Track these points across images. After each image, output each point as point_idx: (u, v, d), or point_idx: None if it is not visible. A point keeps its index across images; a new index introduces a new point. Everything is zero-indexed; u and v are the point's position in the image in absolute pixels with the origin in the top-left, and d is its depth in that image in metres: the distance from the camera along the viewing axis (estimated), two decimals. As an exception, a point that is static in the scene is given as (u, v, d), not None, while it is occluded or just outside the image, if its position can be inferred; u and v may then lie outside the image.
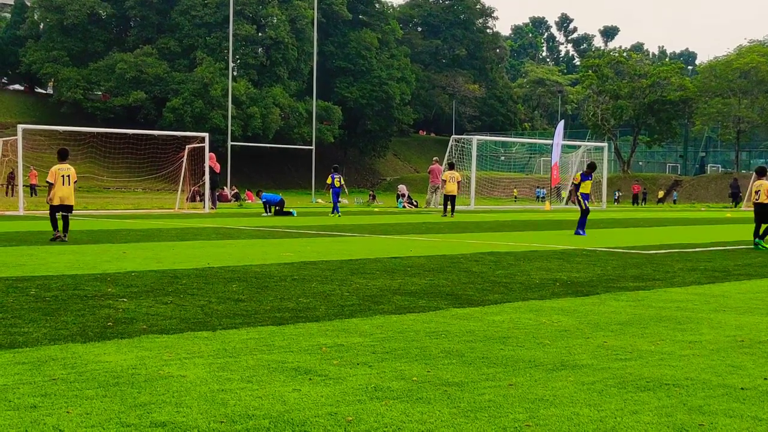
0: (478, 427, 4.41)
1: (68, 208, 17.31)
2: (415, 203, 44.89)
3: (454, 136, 48.40)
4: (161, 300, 8.76)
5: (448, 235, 20.62)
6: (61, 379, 5.34)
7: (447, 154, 45.77)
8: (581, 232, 21.17)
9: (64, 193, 17.17)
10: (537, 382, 5.46)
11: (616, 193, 71.75)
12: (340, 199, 34.01)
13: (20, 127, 31.24)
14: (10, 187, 52.86)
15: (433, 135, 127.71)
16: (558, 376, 5.64)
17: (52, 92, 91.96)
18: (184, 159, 36.45)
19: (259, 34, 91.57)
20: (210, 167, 35.96)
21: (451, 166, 34.45)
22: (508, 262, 13.37)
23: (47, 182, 17.56)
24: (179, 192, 37.37)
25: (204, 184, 36.87)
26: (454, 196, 32.71)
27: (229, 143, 58.38)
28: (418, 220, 28.47)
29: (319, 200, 54.19)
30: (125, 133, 45.15)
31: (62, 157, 17.54)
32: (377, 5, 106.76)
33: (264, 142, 79.37)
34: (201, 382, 5.31)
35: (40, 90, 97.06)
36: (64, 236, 16.87)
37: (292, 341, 6.73)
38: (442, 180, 34.10)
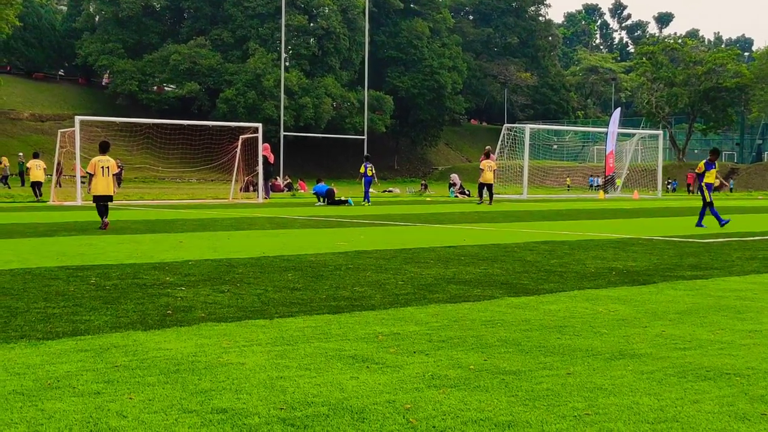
0: (537, 416, 4.40)
1: (107, 198, 17.86)
2: (467, 192, 44.77)
3: (506, 125, 48.18)
4: (218, 288, 8.85)
5: (501, 224, 20.54)
6: (123, 366, 5.43)
7: (499, 143, 45.59)
8: (701, 224, 19.57)
9: (102, 184, 17.75)
10: (595, 371, 5.42)
11: (670, 182, 70.86)
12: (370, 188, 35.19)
13: (78, 118, 31.73)
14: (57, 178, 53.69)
15: (484, 124, 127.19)
16: (616, 365, 5.60)
17: (107, 84, 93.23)
18: (238, 149, 36.73)
19: (311, 24, 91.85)
20: (264, 157, 36.21)
21: (487, 155, 34.67)
22: (562, 251, 13.29)
23: (87, 173, 18.31)
24: (233, 182, 37.69)
25: (257, 174, 37.14)
26: (491, 184, 33.35)
27: (282, 133, 58.77)
28: (470, 210, 28.39)
29: (372, 190, 54.28)
30: (180, 124, 45.66)
31: (102, 149, 18.06)
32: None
33: (316, 132, 79.75)
34: (260, 369, 5.37)
35: (95, 81, 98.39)
36: (106, 223, 17.48)
37: (348, 329, 6.76)
38: (480, 168, 34.51)
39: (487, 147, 44.58)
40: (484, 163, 33.62)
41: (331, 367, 5.44)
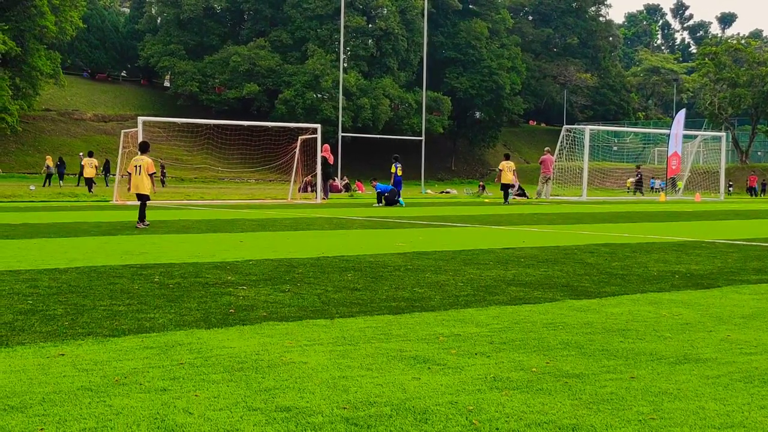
0: (601, 419, 4.37)
1: (142, 197, 18.21)
2: (526, 194, 44.50)
3: (566, 126, 47.81)
4: (279, 288, 8.92)
5: (561, 226, 20.40)
6: (188, 363, 5.50)
7: (558, 144, 45.27)
8: None
9: (135, 181, 18.23)
10: (660, 375, 5.36)
11: (728, 185, 69.64)
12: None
13: (140, 119, 32.19)
14: (105, 176, 54.84)
15: (543, 125, 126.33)
16: (681, 369, 5.53)
17: (168, 85, 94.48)
18: (297, 150, 36.96)
19: (369, 25, 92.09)
20: (323, 158, 36.37)
21: (506, 157, 36.55)
22: (624, 254, 13.15)
23: (127, 172, 19.21)
24: (292, 183, 37.93)
25: (316, 174, 37.33)
26: (512, 184, 35.11)
27: (340, 134, 58.97)
28: (528, 211, 28.23)
29: (429, 191, 54.26)
30: (240, 125, 46.07)
31: (141, 149, 18.63)
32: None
33: (374, 133, 79.92)
34: (322, 368, 5.40)
35: (157, 83, 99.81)
36: (138, 224, 17.82)
37: (409, 330, 6.77)
38: (498, 170, 36.18)
39: (546, 148, 44.39)
40: (503, 164, 35.20)
41: (392, 368, 5.46)
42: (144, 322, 6.89)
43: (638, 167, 63.36)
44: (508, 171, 34.82)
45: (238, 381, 5.05)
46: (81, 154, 58.19)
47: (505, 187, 35.19)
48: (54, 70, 72.92)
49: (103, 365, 5.40)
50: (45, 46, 72.56)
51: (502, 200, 35.78)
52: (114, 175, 40.34)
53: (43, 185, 42.08)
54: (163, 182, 50.97)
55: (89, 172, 41.51)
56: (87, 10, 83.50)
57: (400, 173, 34.92)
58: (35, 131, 77.56)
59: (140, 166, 18.19)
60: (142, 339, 6.25)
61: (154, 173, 18.48)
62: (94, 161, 43.02)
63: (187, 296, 8.28)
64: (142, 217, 17.94)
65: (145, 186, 18.20)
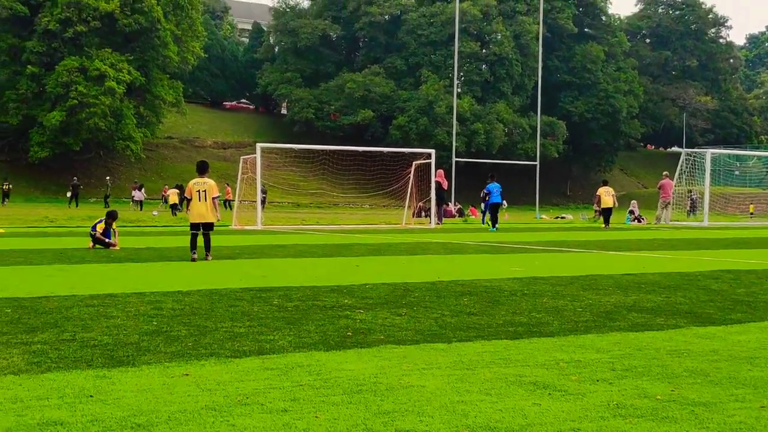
0: (731, 450, 4.22)
1: (207, 226, 16.03)
2: (643, 219, 43.60)
3: (685, 150, 46.70)
4: (396, 312, 8.94)
5: (682, 251, 19.88)
6: (308, 385, 5.55)
7: (678, 168, 44.23)
8: None
9: (200, 209, 15.97)
10: (792, 406, 5.15)
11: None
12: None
13: (259, 145, 32.85)
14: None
15: (661, 149, 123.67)
16: (815, 400, 5.30)
17: (285, 112, 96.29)
18: (411, 175, 37.10)
19: (483, 50, 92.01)
20: (437, 183, 36.40)
21: (604, 183, 37.83)
22: (749, 280, 12.72)
23: (185, 197, 17.01)
24: (406, 207, 38.08)
25: (430, 200, 37.38)
26: (611, 208, 35.68)
27: (454, 159, 58.96)
28: (647, 236, 27.62)
29: (543, 216, 53.71)
30: (355, 150, 46.54)
31: (200, 170, 16.29)
32: (604, 18, 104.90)
33: (487, 158, 79.57)
34: (440, 392, 5.38)
35: (274, 110, 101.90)
36: (207, 256, 15.77)
37: (527, 355, 6.69)
38: (597, 195, 37.38)
39: (664, 173, 43.44)
40: (601, 190, 36.21)
41: (512, 393, 5.39)
42: (264, 344, 7.00)
43: None
44: (606, 195, 35.77)
45: (357, 403, 5.07)
46: (165, 186, 60.38)
47: (605, 212, 35.93)
48: (176, 99, 75.29)
49: (226, 385, 5.50)
50: (168, 76, 75.02)
51: (603, 224, 36.12)
52: (233, 200, 41.43)
53: (173, 214, 46.03)
54: (263, 205, 52.05)
55: (173, 200, 48.50)
56: (208, 40, 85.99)
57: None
58: (158, 158, 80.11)
59: (204, 191, 15.95)
60: (262, 360, 6.35)
61: (218, 197, 16.27)
62: (176, 191, 49.29)
63: (305, 319, 8.38)
64: (207, 247, 15.90)
65: (211, 213, 16.02)
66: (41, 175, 70.02)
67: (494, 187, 33.01)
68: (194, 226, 16.03)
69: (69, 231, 26.56)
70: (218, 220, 16.72)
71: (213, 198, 16.02)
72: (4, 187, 58.42)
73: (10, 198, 58.41)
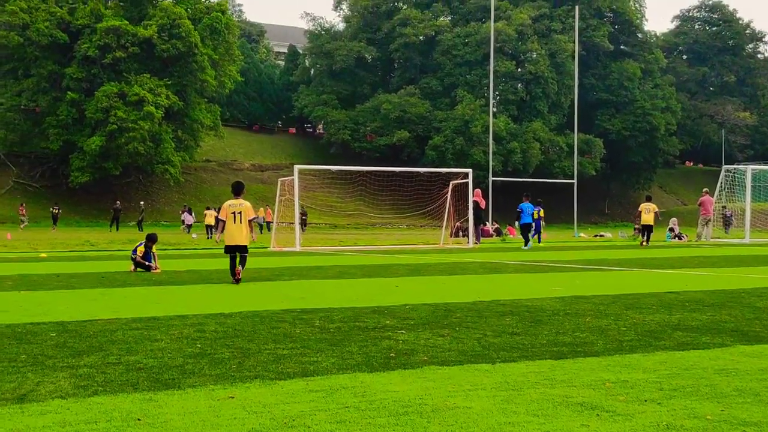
0: (787, 472, 4.15)
1: (241, 249, 15.68)
2: (684, 237, 43.18)
3: (725, 167, 46.26)
4: (438, 332, 8.91)
5: (724, 269, 19.65)
6: (353, 407, 5.54)
7: (718, 185, 43.80)
8: None
9: (233, 232, 15.66)
10: None
11: None
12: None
13: (296, 167, 32.99)
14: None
15: (700, 166, 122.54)
16: None
17: (322, 134, 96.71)
18: (448, 195, 37.06)
19: (519, 69, 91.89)
20: (475, 202, 36.35)
21: (648, 199, 37.02)
22: (795, 298, 12.54)
23: (219, 219, 16.46)
24: (443, 227, 38.01)
25: (468, 219, 37.30)
26: (651, 225, 34.92)
27: (491, 179, 58.86)
28: (689, 254, 27.33)
29: (582, 234, 53.36)
30: (392, 171, 46.59)
31: (236, 191, 16.08)
32: (640, 35, 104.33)
33: (524, 177, 79.31)
34: (487, 414, 5.34)
35: (311, 132, 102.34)
36: (238, 273, 15.45)
37: (573, 375, 6.63)
38: (638, 211, 36.73)
39: (704, 189, 43.05)
40: (643, 206, 35.60)
41: (559, 414, 5.34)
42: (308, 366, 7.00)
43: None
44: (645, 213, 35.19)
45: (403, 425, 5.05)
46: (207, 207, 61.07)
47: (645, 229, 35.27)
48: (214, 123, 75.90)
49: (271, 408, 5.50)
50: (205, 100, 75.73)
51: (641, 242, 35.73)
52: (272, 222, 41.75)
53: (207, 237, 46.29)
54: (303, 227, 52.48)
55: (209, 221, 48.64)
56: (244, 64, 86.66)
57: (536, 216, 35.12)
58: (196, 181, 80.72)
59: (240, 213, 15.67)
60: (306, 382, 6.34)
61: (255, 218, 16.02)
62: (213, 212, 48.78)
63: (347, 340, 8.37)
64: (237, 271, 15.44)
65: (245, 236, 15.71)
66: (81, 200, 70.86)
67: (526, 206, 33.78)
68: (229, 249, 15.74)
69: (110, 255, 26.80)
70: (253, 241, 16.45)
71: (249, 220, 15.81)
72: (54, 210, 59.11)
73: (58, 222, 59.10)
